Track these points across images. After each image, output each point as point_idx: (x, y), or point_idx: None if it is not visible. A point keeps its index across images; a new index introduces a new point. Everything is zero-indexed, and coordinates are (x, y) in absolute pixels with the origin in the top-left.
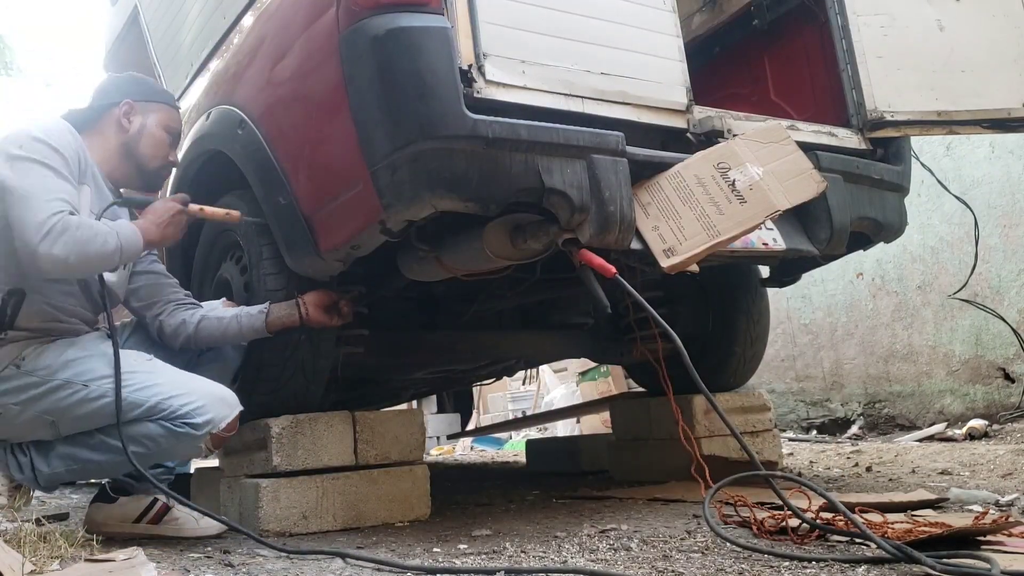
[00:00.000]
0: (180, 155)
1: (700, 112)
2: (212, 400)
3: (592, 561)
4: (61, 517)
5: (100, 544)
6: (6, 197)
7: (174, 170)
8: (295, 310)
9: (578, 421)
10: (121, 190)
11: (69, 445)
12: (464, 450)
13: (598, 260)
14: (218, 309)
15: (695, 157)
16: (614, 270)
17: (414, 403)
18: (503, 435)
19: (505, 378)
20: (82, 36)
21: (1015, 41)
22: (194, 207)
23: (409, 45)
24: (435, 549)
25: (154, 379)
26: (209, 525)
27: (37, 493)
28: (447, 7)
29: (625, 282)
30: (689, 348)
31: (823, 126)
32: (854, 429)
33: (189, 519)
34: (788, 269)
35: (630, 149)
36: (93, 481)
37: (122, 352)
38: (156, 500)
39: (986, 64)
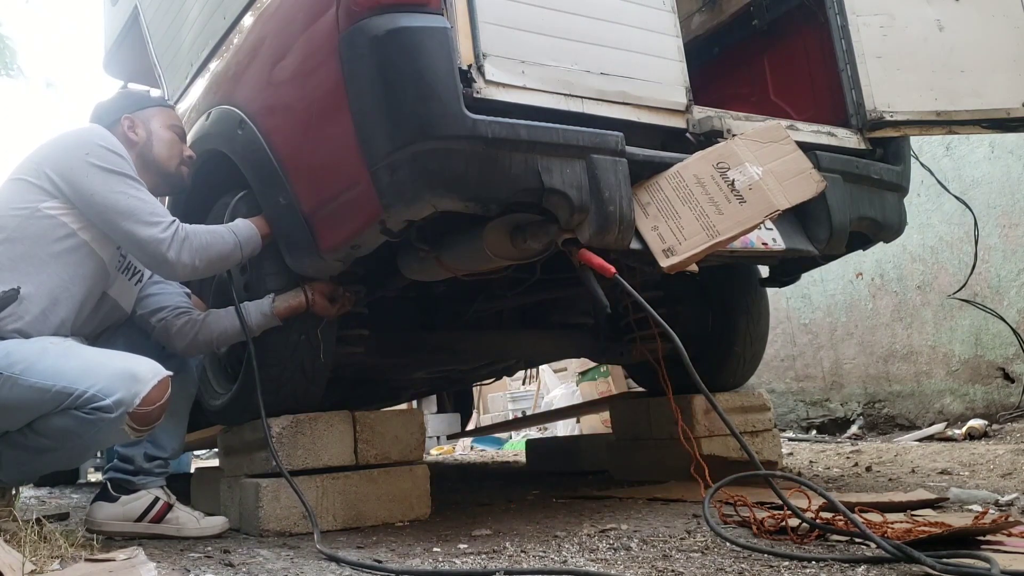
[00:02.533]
0: None
1: (699, 112)
2: (118, 379)
3: (592, 561)
4: (61, 517)
5: (100, 544)
6: (104, 213)
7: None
8: (301, 295)
9: (578, 421)
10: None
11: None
12: (464, 450)
13: (597, 260)
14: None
15: (694, 157)
16: (613, 270)
17: (414, 403)
18: (503, 435)
19: (505, 378)
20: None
21: (1015, 41)
22: None
23: (409, 45)
24: (435, 549)
25: (61, 364)
26: (210, 525)
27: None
28: (447, 7)
29: (624, 282)
30: (689, 348)
31: (823, 126)
32: (854, 429)
33: (190, 518)
34: (788, 269)
35: (630, 149)
36: (93, 480)
37: (35, 339)
38: (157, 499)
39: (986, 64)
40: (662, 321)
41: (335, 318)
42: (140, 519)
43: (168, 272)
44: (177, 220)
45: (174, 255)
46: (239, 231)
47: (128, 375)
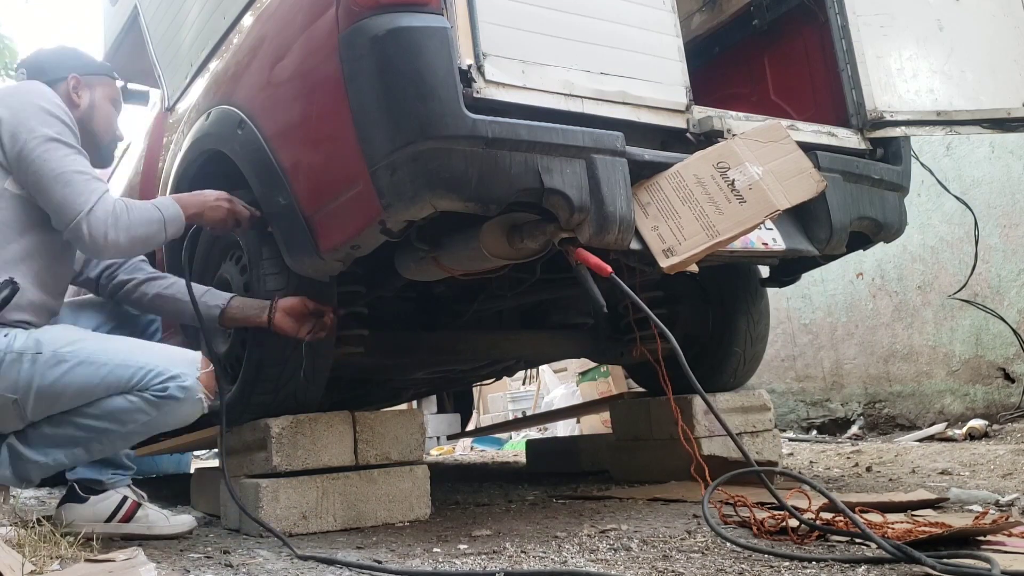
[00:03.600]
0: (180, 155)
1: (700, 112)
2: (167, 359)
3: (592, 561)
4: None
5: (100, 544)
6: (37, 181)
7: (175, 165)
8: (263, 311)
9: (578, 421)
10: None
11: (53, 426)
12: (464, 450)
13: (594, 259)
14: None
15: (694, 157)
16: (610, 269)
17: (414, 403)
18: (503, 435)
19: (505, 378)
20: (82, 36)
21: (1015, 41)
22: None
23: (409, 45)
24: (435, 549)
25: (108, 347)
26: (180, 522)
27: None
28: (447, 7)
29: (621, 282)
30: (689, 348)
31: (823, 126)
32: (854, 429)
33: (160, 516)
34: (788, 269)
35: (629, 149)
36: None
37: (60, 327)
38: (126, 499)
39: (986, 64)
40: (659, 321)
41: (303, 340)
42: (110, 519)
43: (92, 252)
44: (108, 193)
45: (102, 233)
46: (166, 209)
47: (172, 352)
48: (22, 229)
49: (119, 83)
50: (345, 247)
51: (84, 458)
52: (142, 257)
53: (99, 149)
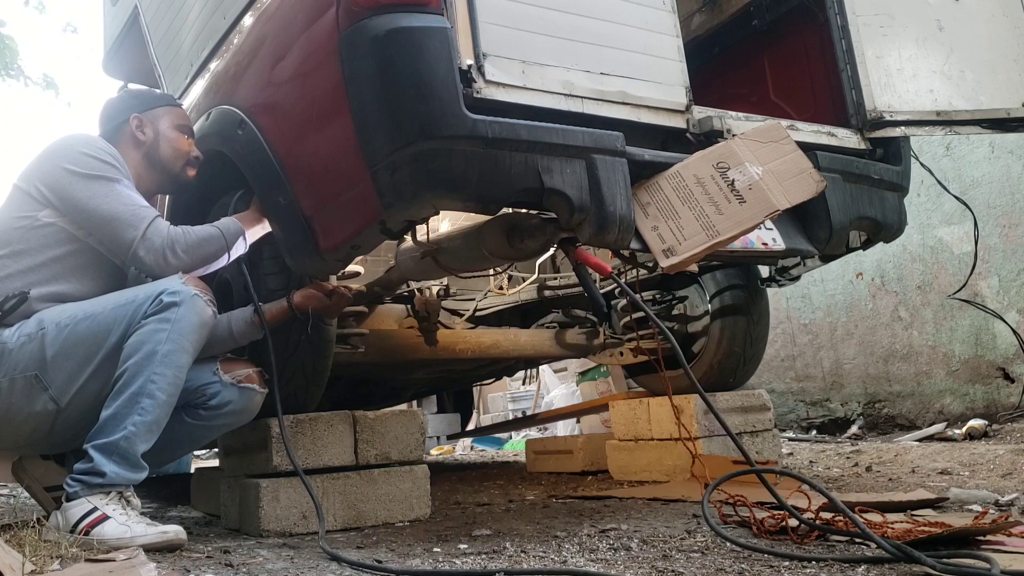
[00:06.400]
0: None
1: (699, 112)
2: (153, 285)
3: (592, 561)
4: None
5: (101, 547)
6: (86, 221)
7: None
8: (282, 302)
9: (578, 421)
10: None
11: (108, 403)
12: (464, 450)
13: (594, 259)
14: None
15: (694, 157)
16: (610, 269)
17: (414, 403)
18: (503, 435)
19: (505, 378)
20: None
21: (1015, 41)
22: None
23: (409, 45)
24: (435, 549)
25: (101, 302)
26: (144, 534)
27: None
28: (447, 7)
29: (620, 282)
30: (689, 349)
31: (823, 126)
32: (854, 429)
33: (123, 530)
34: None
35: (629, 149)
36: None
37: (58, 306)
38: (94, 509)
39: (986, 64)
40: (659, 321)
41: (336, 313)
42: (74, 529)
43: (154, 271)
44: (159, 218)
45: (158, 259)
46: (225, 227)
47: (154, 283)
48: (52, 253)
49: (178, 106)
50: (345, 247)
51: (157, 411)
52: None
53: (172, 175)
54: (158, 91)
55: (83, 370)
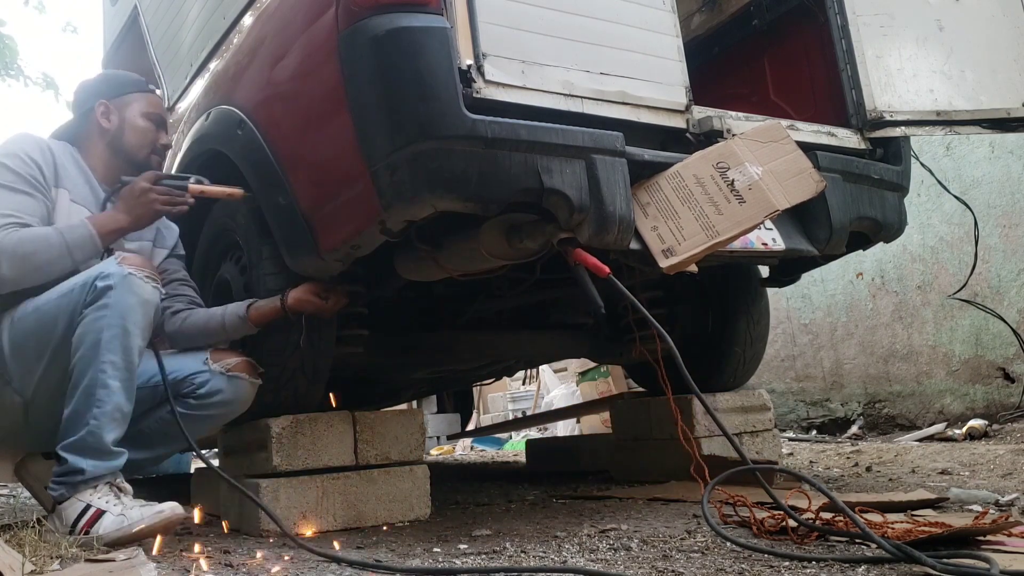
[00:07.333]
0: (180, 155)
1: (699, 112)
2: (90, 271)
3: (592, 561)
4: None
5: (100, 544)
6: None
7: (175, 165)
8: (276, 300)
9: (578, 421)
10: (123, 177)
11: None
12: (464, 450)
13: (592, 259)
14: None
15: (694, 157)
16: (608, 270)
17: (414, 403)
18: (503, 435)
19: (505, 378)
20: (82, 36)
21: (1015, 41)
22: (195, 187)
23: (409, 45)
24: (435, 549)
25: (48, 294)
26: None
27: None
28: (447, 7)
29: (618, 282)
30: (690, 348)
31: (823, 126)
32: (854, 429)
33: (118, 520)
34: (788, 269)
35: (629, 149)
36: None
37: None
38: (88, 507)
39: (986, 64)
40: (655, 322)
41: (332, 315)
42: (72, 529)
43: None
44: (14, 222)
45: None
46: (70, 234)
47: (91, 271)
48: None
49: (151, 92)
50: (345, 247)
51: (114, 398)
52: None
53: (136, 164)
54: (133, 76)
55: (39, 362)
